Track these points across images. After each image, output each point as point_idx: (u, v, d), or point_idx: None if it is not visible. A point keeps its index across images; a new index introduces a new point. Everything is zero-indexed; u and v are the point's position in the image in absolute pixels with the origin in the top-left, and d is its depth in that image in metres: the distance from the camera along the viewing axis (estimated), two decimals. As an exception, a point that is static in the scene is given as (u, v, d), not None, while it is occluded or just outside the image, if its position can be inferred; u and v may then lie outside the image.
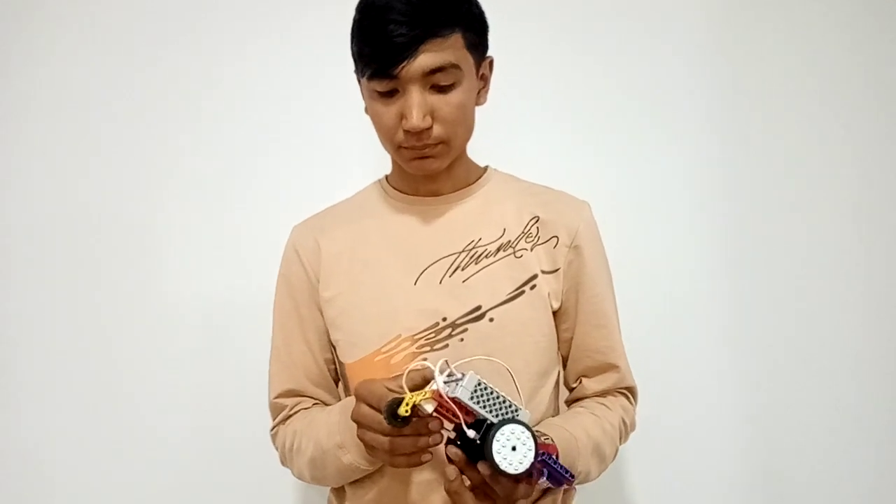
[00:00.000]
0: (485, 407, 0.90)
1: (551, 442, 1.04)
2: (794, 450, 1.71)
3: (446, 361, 0.92)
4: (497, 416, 0.90)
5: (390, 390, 0.94)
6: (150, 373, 1.67)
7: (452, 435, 0.96)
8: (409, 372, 0.92)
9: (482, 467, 0.91)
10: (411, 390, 0.91)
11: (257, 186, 1.70)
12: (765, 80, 1.73)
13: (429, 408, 0.90)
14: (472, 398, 0.89)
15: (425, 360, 0.95)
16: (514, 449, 0.88)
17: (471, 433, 0.90)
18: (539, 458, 0.90)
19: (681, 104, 1.72)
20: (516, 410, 0.91)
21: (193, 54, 1.71)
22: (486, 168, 1.27)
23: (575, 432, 1.11)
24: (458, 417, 0.90)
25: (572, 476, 0.95)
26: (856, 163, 1.73)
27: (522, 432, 0.88)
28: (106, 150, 1.70)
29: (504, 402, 0.91)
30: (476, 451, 0.91)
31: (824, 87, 1.74)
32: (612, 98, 1.72)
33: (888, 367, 1.72)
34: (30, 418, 1.67)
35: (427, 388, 0.90)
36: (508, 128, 1.62)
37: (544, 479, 0.94)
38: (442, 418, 0.93)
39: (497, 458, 0.87)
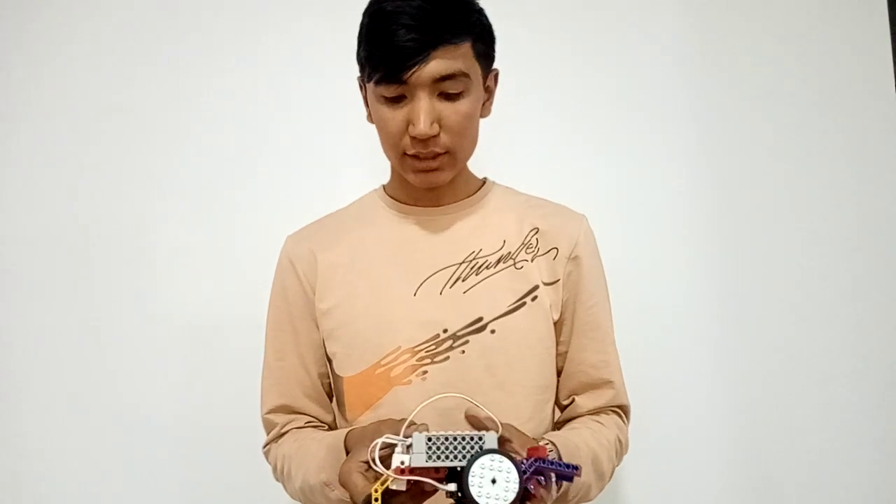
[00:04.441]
0: (448, 457, 0.86)
1: (556, 449, 1.03)
2: (785, 459, 1.73)
3: (386, 436, 0.89)
4: (463, 457, 0.86)
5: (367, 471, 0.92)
6: (149, 384, 1.69)
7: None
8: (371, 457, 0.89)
9: None
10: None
11: (249, 194, 1.71)
12: (757, 89, 1.77)
13: (398, 486, 0.87)
14: (428, 458, 0.86)
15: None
16: (493, 482, 0.84)
17: (451, 487, 0.86)
18: (529, 471, 0.86)
19: (673, 111, 1.76)
20: (480, 440, 0.87)
21: (187, 62, 1.73)
22: (484, 180, 1.27)
23: (574, 441, 1.10)
24: (429, 481, 0.86)
25: (576, 467, 0.90)
26: (851, 168, 1.77)
27: (492, 460, 0.85)
28: (99, 159, 1.73)
29: (464, 440, 0.87)
30: (462, 498, 0.87)
31: (818, 95, 1.78)
32: (604, 107, 1.76)
33: (879, 379, 1.75)
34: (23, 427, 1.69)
35: (385, 476, 0.86)
36: (504, 138, 1.64)
37: (553, 482, 0.90)
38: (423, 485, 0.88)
39: (481, 500, 0.83)
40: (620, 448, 1.20)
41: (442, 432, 0.87)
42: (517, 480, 0.84)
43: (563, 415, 1.24)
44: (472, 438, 0.87)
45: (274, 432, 1.21)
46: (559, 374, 1.23)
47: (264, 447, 1.24)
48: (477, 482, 0.83)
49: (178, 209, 1.72)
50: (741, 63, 1.77)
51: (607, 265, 1.26)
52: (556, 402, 1.25)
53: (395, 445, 0.89)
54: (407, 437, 0.88)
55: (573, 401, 1.22)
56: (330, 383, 1.24)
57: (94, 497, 1.68)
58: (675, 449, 1.70)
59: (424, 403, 0.94)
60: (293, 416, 1.22)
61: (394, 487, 0.86)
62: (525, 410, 1.12)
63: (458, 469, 0.85)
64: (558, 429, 1.22)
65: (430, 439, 0.86)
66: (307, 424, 1.22)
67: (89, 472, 1.68)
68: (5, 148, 1.72)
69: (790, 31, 1.78)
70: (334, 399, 1.25)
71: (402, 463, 0.86)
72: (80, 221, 1.71)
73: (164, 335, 1.69)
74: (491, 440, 0.87)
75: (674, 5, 1.77)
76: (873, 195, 1.77)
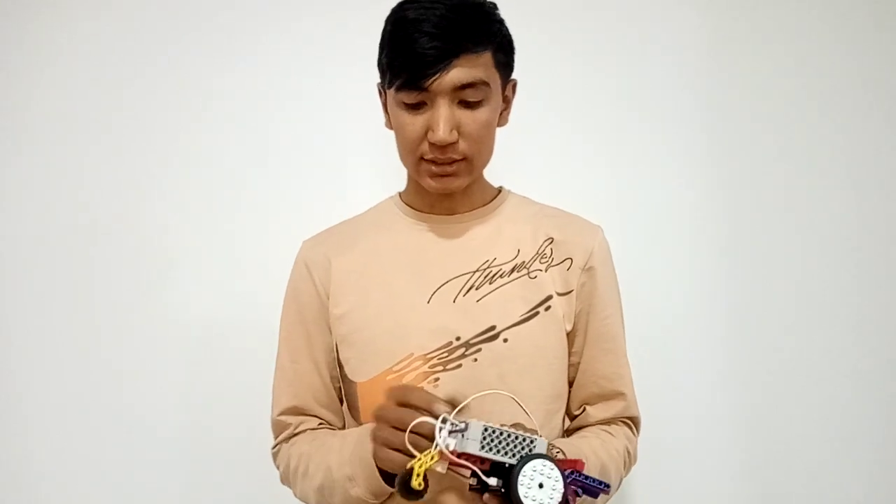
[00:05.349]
0: (498, 451, 0.85)
1: (565, 456, 1.03)
2: (786, 459, 1.73)
3: (444, 417, 0.87)
4: (514, 455, 0.86)
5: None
6: (150, 385, 1.67)
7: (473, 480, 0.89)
8: (410, 434, 0.88)
9: None
10: (417, 447, 0.87)
11: (252, 195, 1.70)
12: (761, 91, 1.77)
13: (440, 468, 0.85)
14: (482, 448, 0.85)
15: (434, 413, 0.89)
16: (541, 486, 0.84)
17: (492, 481, 0.85)
18: (569, 480, 0.87)
19: (677, 113, 1.76)
20: (532, 442, 0.87)
21: (188, 62, 1.71)
22: (500, 189, 1.26)
23: (584, 449, 1.10)
24: (472, 469, 0.85)
25: (607, 485, 0.91)
26: (853, 169, 1.77)
27: (544, 465, 0.85)
28: (99, 160, 1.70)
29: (517, 438, 0.87)
30: (503, 494, 0.86)
31: (820, 96, 1.77)
32: (607, 109, 1.75)
33: (879, 379, 1.76)
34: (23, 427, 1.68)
35: (432, 451, 0.85)
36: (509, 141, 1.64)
37: (580, 496, 0.91)
38: (458, 471, 0.87)
39: (526, 502, 0.84)
40: (629, 459, 1.21)
41: (498, 425, 0.86)
42: (561, 490, 0.85)
43: (573, 424, 1.25)
44: (524, 439, 0.87)
45: (287, 433, 1.20)
46: (570, 384, 1.23)
47: (274, 447, 1.23)
48: (526, 482, 0.84)
49: (180, 209, 1.70)
50: (746, 65, 1.76)
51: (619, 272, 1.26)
52: (567, 412, 1.25)
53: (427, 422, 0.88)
54: (460, 421, 0.86)
55: (584, 410, 1.22)
56: (340, 388, 1.23)
57: (95, 498, 1.67)
58: (676, 449, 1.71)
59: (475, 396, 0.92)
60: (305, 418, 1.21)
61: (436, 467, 0.85)
62: (536, 419, 1.11)
63: (506, 466, 0.85)
64: (568, 437, 1.22)
65: (486, 429, 0.85)
66: (319, 426, 1.22)
67: (90, 472, 1.67)
68: (6, 148, 1.70)
69: (794, 32, 1.77)
70: (345, 404, 1.24)
71: (449, 446, 0.85)
72: (80, 222, 1.70)
73: (165, 336, 1.68)
74: (541, 445, 0.87)
75: (679, 7, 1.76)
76: (874, 196, 1.77)
